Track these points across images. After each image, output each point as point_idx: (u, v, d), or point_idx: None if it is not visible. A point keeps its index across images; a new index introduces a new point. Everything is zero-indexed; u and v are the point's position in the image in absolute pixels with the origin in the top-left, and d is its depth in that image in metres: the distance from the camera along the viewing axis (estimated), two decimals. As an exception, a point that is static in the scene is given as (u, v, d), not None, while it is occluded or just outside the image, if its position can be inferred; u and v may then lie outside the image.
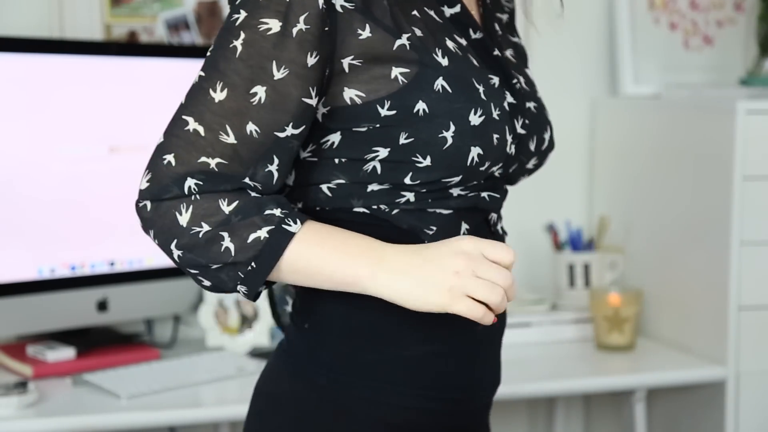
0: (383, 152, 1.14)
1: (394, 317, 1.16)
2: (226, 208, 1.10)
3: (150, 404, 1.89)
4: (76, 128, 2.07)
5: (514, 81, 1.25)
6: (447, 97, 1.13)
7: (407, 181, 1.15)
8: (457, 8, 1.22)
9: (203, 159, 1.10)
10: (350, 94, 1.13)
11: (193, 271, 1.13)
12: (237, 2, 1.12)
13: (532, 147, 1.26)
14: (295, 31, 1.09)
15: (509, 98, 1.22)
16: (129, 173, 2.14)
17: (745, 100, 2.08)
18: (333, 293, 1.16)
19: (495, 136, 1.16)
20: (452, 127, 1.12)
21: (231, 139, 1.10)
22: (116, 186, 2.13)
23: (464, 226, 1.19)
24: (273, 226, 1.10)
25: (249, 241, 1.09)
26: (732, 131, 2.07)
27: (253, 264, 1.10)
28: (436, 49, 1.15)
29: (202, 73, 1.12)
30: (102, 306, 2.14)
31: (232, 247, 1.09)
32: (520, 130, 1.24)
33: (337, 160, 1.16)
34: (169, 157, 1.11)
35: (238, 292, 1.13)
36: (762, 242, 2.10)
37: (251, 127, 1.10)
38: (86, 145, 2.09)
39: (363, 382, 1.18)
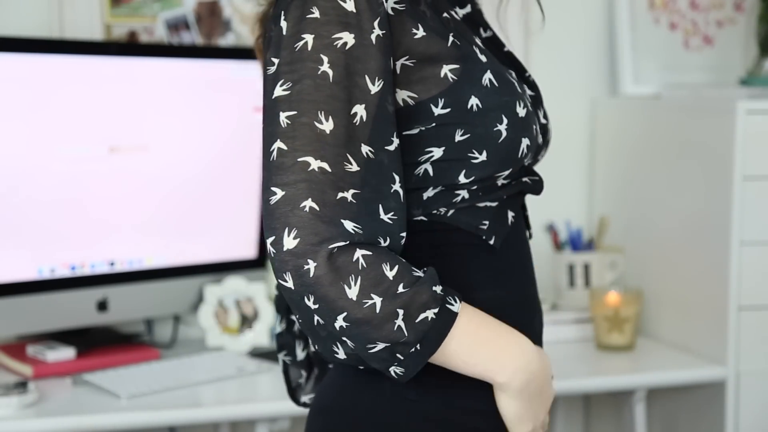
0: (437, 152, 1.12)
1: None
2: (390, 273, 1.04)
3: (150, 404, 1.89)
4: (76, 128, 2.07)
5: (527, 74, 1.28)
6: (495, 91, 1.13)
7: (461, 179, 1.13)
8: (468, 8, 1.23)
9: (341, 195, 1.03)
10: (402, 96, 1.11)
11: (350, 343, 1.06)
12: (288, 30, 1.07)
13: (548, 137, 1.28)
14: (373, 38, 1.06)
15: (528, 91, 1.24)
16: (129, 173, 2.14)
17: (745, 100, 2.08)
18: None
19: (534, 126, 1.17)
20: (505, 120, 1.12)
21: (354, 167, 1.04)
22: (116, 186, 2.13)
23: (510, 214, 1.20)
24: (439, 307, 1.06)
25: (418, 320, 1.05)
26: (732, 131, 2.07)
27: (418, 346, 1.06)
28: (473, 47, 1.16)
29: (292, 112, 1.04)
30: (102, 306, 2.14)
31: (404, 326, 1.04)
32: (542, 120, 1.26)
33: None
34: (308, 203, 1.03)
35: (389, 373, 1.08)
36: (762, 242, 2.10)
37: (365, 149, 1.05)
38: (86, 145, 2.09)
39: (455, 390, 1.16)
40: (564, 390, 2.20)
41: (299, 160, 1.03)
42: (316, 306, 1.04)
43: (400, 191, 1.09)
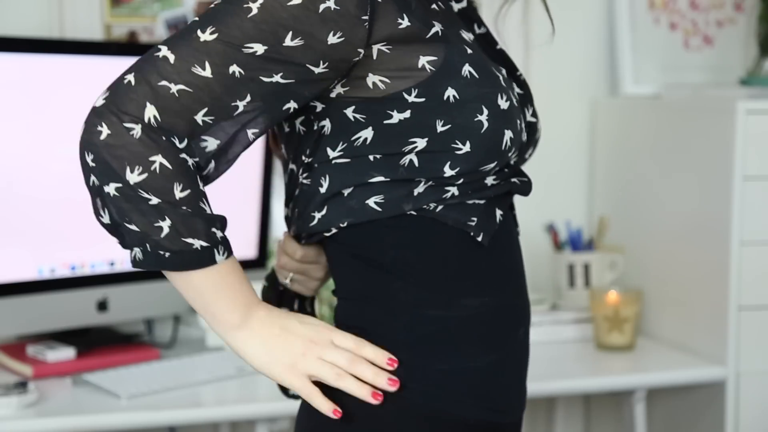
0: (421, 143, 1.13)
1: (457, 328, 1.17)
2: (179, 193, 1.08)
3: (150, 404, 1.89)
4: (76, 128, 2.06)
5: (518, 73, 1.29)
6: (475, 82, 1.14)
7: (446, 170, 1.14)
8: (464, 3, 1.24)
9: (164, 83, 1.08)
10: (374, 80, 1.12)
11: (113, 208, 1.09)
12: None
13: (534, 136, 1.30)
14: (322, 7, 1.08)
15: (516, 89, 1.25)
16: (129, 173, 2.14)
17: (745, 100, 2.08)
18: (384, 306, 1.18)
19: (518, 121, 1.18)
20: (485, 111, 1.14)
21: (206, 72, 1.08)
22: (116, 186, 2.12)
23: (498, 212, 1.20)
24: (207, 245, 1.10)
25: (183, 239, 1.09)
26: (732, 131, 2.07)
27: (166, 254, 1.09)
28: (458, 39, 1.17)
29: (195, 18, 1.11)
30: (102, 306, 2.14)
31: (165, 231, 1.08)
32: (530, 119, 1.27)
33: (372, 158, 1.15)
34: (130, 77, 1.11)
35: (128, 249, 1.12)
36: (762, 242, 2.10)
37: (234, 68, 1.08)
38: (86, 145, 2.09)
39: (438, 392, 1.16)
40: (564, 390, 2.20)
41: (158, 46, 1.11)
42: (94, 165, 1.09)
43: (241, 108, 1.10)
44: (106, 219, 1.12)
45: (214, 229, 1.10)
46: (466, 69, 1.14)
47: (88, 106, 2.23)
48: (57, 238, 2.07)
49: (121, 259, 2.16)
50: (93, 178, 1.09)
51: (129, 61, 2.32)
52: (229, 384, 2.02)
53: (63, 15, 2.23)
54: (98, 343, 2.15)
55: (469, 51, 1.16)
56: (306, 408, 1.22)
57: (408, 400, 1.16)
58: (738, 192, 2.07)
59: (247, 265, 2.31)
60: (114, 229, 1.12)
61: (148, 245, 1.09)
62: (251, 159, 2.26)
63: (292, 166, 1.24)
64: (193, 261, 1.10)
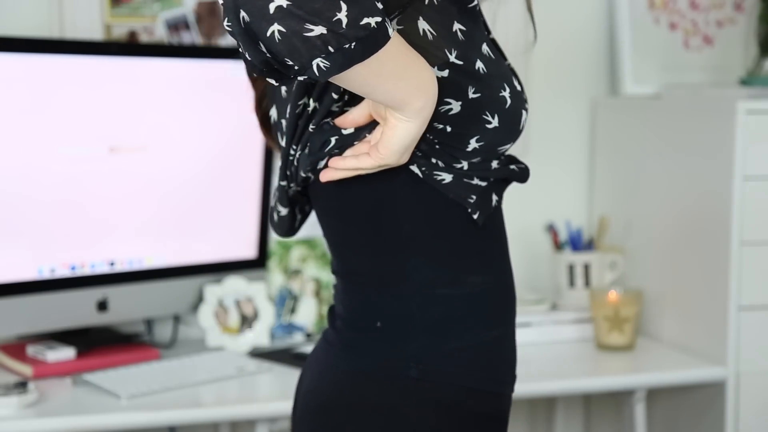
0: (456, 106, 1.14)
1: (464, 305, 1.20)
2: None
3: (150, 404, 1.89)
4: (76, 128, 2.07)
5: (507, 62, 1.32)
6: (493, 62, 1.17)
7: (473, 143, 1.15)
8: (475, 1, 1.26)
9: None
10: (423, 26, 1.13)
11: (281, 28, 0.98)
12: None
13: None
14: None
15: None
16: (129, 173, 2.14)
17: (745, 100, 2.08)
18: (397, 288, 1.18)
19: (527, 105, 1.21)
20: (507, 89, 1.16)
21: None
22: (116, 186, 2.13)
23: (494, 198, 1.22)
24: (380, 19, 1.01)
25: (360, 22, 0.99)
26: (732, 131, 2.07)
27: (352, 45, 1.00)
28: (483, 18, 1.20)
29: None
30: (102, 306, 2.14)
31: (345, 20, 0.98)
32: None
33: None
34: None
35: (307, 68, 1.00)
36: (762, 242, 2.10)
37: None
38: (86, 145, 2.09)
39: (454, 370, 1.18)
40: (564, 390, 2.20)
41: None
42: None
43: None
44: (277, 44, 1.00)
45: (377, 2, 1.02)
46: (485, 48, 1.17)
47: (88, 106, 2.25)
48: (57, 238, 2.07)
49: (121, 259, 2.16)
50: (243, 14, 0.99)
51: (129, 61, 2.34)
52: (229, 384, 2.03)
53: (63, 15, 2.22)
54: (98, 343, 2.15)
55: (486, 33, 1.20)
56: (317, 409, 1.22)
57: (427, 382, 1.17)
58: (738, 192, 2.07)
59: (247, 265, 2.31)
60: (290, 59, 1.00)
61: (330, 47, 0.99)
62: (251, 159, 2.26)
63: (314, 104, 1.20)
64: (378, 41, 1.01)
